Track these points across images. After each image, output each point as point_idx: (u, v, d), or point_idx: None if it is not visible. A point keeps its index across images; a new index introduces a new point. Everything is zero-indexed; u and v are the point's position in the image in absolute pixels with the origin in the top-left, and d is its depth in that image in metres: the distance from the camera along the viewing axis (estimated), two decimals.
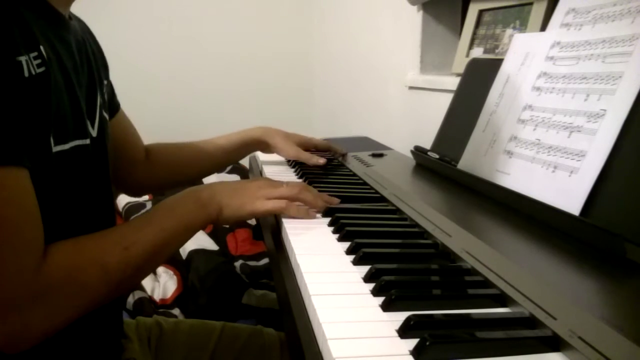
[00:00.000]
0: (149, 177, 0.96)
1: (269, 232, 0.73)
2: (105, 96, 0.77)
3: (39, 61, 0.54)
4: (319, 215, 0.71)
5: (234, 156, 1.04)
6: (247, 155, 1.09)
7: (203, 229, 0.72)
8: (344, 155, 1.10)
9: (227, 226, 1.57)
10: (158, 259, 0.63)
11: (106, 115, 0.74)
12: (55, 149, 0.56)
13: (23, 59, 0.51)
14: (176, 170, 0.99)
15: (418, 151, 0.94)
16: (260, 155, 1.11)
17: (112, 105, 0.85)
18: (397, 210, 0.73)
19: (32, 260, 0.51)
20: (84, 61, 0.67)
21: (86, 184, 0.63)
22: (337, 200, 0.75)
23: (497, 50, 1.05)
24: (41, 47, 0.55)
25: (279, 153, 1.04)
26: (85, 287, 0.55)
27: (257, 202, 0.69)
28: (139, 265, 0.60)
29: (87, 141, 0.64)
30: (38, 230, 0.53)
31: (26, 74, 0.51)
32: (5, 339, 0.51)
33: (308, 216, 0.69)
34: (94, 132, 0.66)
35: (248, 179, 0.75)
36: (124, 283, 0.59)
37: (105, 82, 0.79)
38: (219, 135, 1.03)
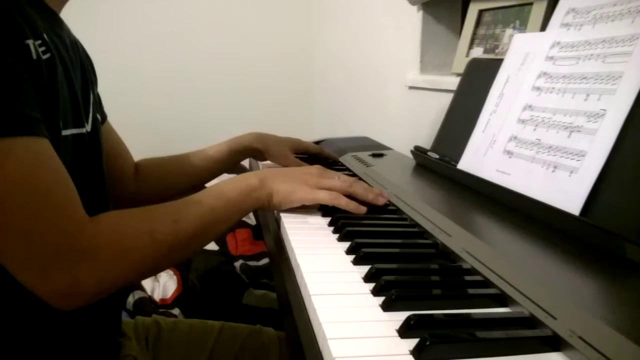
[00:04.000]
0: (138, 194, 0.94)
1: (269, 231, 0.73)
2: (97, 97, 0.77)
3: (43, 48, 0.56)
4: (324, 217, 0.71)
5: (226, 165, 1.01)
6: (240, 163, 1.06)
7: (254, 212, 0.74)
8: (335, 161, 1.08)
9: None
10: (206, 237, 0.65)
11: (99, 116, 0.74)
12: (63, 132, 0.59)
13: (30, 42, 0.53)
14: (165, 185, 0.97)
15: (418, 151, 0.94)
16: None
17: (101, 115, 0.85)
18: (397, 210, 0.73)
19: (72, 219, 0.53)
20: (77, 59, 0.69)
21: (83, 176, 0.63)
22: (384, 198, 0.74)
23: (497, 50, 1.05)
24: (45, 36, 0.57)
25: (270, 159, 1.01)
26: (132, 252, 0.57)
27: (308, 189, 0.69)
28: (187, 240, 0.61)
29: (84, 130, 0.65)
30: (73, 192, 0.55)
31: (34, 56, 0.54)
32: (54, 294, 0.53)
33: (358, 210, 0.69)
34: (88, 127, 0.67)
35: (299, 166, 0.77)
36: (172, 255, 0.61)
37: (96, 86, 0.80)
38: (210, 145, 1.00)
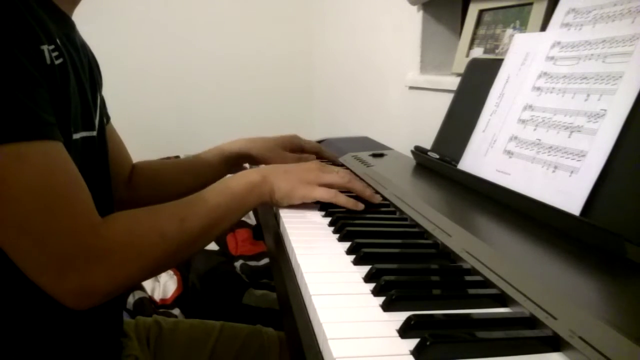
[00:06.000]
0: (130, 196, 0.93)
1: (269, 232, 0.73)
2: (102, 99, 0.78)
3: (56, 53, 0.57)
4: (324, 217, 0.71)
5: (219, 174, 0.96)
6: (232, 171, 0.97)
7: (257, 208, 0.76)
8: (334, 163, 1.04)
9: None
10: (212, 234, 0.66)
11: (104, 118, 0.75)
12: (74, 136, 0.59)
13: (45, 47, 0.54)
14: (157, 190, 0.95)
15: (418, 151, 0.94)
16: None
17: (105, 116, 0.85)
18: (397, 210, 0.73)
19: (86, 221, 0.54)
20: (86, 61, 0.69)
21: (91, 177, 0.64)
22: (378, 197, 0.76)
23: (497, 50, 1.05)
24: (57, 41, 0.58)
25: (265, 163, 0.96)
26: (143, 252, 0.58)
27: (308, 186, 0.71)
28: (194, 237, 0.63)
29: (94, 133, 0.66)
30: (87, 194, 0.56)
31: (48, 61, 0.54)
32: (69, 295, 0.54)
33: (356, 207, 0.71)
34: (96, 129, 0.67)
35: (300, 163, 0.80)
36: (180, 253, 0.62)
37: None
38: (204, 151, 0.97)
